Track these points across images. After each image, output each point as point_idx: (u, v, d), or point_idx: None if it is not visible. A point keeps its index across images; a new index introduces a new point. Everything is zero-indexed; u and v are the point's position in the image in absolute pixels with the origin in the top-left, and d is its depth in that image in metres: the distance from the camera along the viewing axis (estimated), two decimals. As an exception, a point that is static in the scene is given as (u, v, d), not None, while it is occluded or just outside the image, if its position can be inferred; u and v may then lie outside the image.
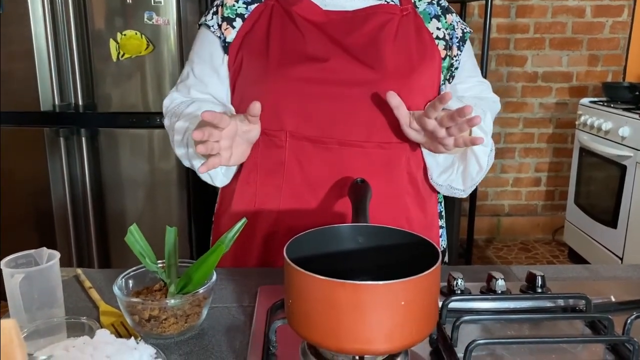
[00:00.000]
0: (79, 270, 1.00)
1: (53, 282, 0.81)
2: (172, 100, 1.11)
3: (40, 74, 2.35)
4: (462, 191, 1.11)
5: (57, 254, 0.82)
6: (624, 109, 2.73)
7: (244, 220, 0.86)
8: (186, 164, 1.06)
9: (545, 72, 3.41)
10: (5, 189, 2.49)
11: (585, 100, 3.09)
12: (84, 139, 2.41)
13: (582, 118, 3.02)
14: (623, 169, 2.69)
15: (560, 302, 0.88)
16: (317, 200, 1.04)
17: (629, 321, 0.77)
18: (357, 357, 0.70)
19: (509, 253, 3.44)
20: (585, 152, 3.03)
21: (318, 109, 1.02)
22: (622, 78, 3.42)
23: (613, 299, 0.90)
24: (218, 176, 1.08)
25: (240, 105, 1.07)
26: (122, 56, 2.33)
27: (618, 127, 2.70)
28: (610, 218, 2.80)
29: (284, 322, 0.75)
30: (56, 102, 2.37)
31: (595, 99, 3.07)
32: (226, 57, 1.08)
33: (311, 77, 1.01)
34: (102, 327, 0.70)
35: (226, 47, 1.07)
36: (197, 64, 1.11)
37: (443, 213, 1.20)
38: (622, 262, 2.68)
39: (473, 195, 3.03)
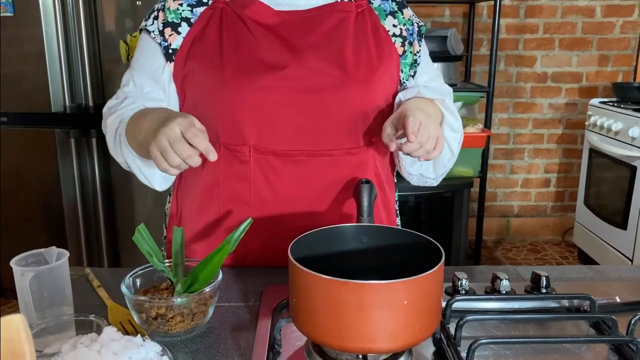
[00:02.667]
0: (88, 270, 1.02)
1: (62, 281, 0.83)
2: (110, 108, 1.04)
3: (52, 76, 2.37)
4: (433, 179, 1.10)
5: (66, 253, 0.84)
6: (634, 110, 2.71)
7: (249, 220, 0.87)
8: (123, 164, 1.01)
9: (555, 73, 3.39)
10: (17, 189, 2.52)
11: (595, 101, 3.07)
12: (94, 140, 2.43)
13: (592, 119, 3.00)
14: (633, 169, 2.67)
15: (565, 303, 0.88)
16: (288, 216, 1.00)
17: (632, 322, 0.77)
18: (360, 356, 0.71)
19: (518, 254, 3.43)
20: (595, 152, 3.01)
21: (281, 120, 0.97)
22: (632, 78, 3.40)
23: (618, 300, 0.90)
24: (156, 179, 1.01)
25: (194, 113, 0.95)
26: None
27: (628, 128, 2.68)
28: (620, 219, 2.78)
29: (288, 321, 0.76)
30: (67, 103, 2.40)
31: (605, 100, 3.05)
32: (169, 66, 1.01)
33: (270, 86, 0.96)
34: (109, 325, 0.71)
35: (170, 54, 1.00)
36: (137, 72, 1.04)
37: (398, 211, 1.17)
38: (632, 264, 2.66)
39: (482, 195, 3.03)
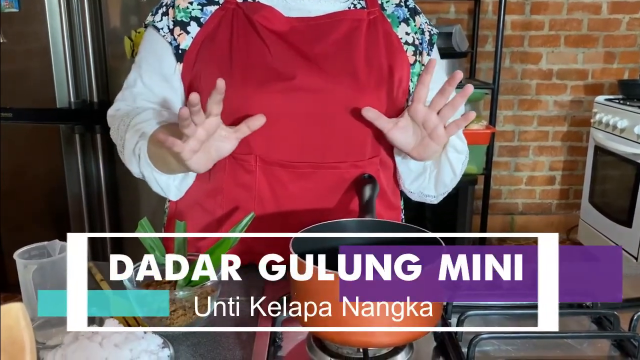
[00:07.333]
0: (91, 264, 1.02)
1: (65, 274, 0.83)
2: (118, 110, 1.01)
3: (56, 72, 2.38)
4: (433, 197, 1.08)
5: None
6: (640, 107, 2.71)
7: (252, 214, 0.87)
8: (137, 174, 0.98)
9: (560, 70, 3.38)
10: (22, 184, 2.53)
11: (600, 98, 3.06)
12: (98, 136, 2.44)
13: (598, 116, 2.99)
14: (638, 167, 2.66)
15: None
16: (291, 228, 0.92)
17: (635, 317, 0.77)
18: (361, 350, 0.71)
19: (523, 252, 3.42)
20: (600, 150, 3.00)
21: (288, 130, 0.95)
22: (638, 75, 3.38)
23: (621, 296, 0.90)
24: (171, 189, 1.00)
25: None
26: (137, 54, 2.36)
27: (634, 125, 2.67)
28: (625, 217, 2.77)
29: (290, 315, 0.76)
30: (72, 99, 2.41)
31: (611, 97, 3.04)
32: (179, 66, 0.98)
33: (279, 95, 0.94)
34: (112, 318, 0.72)
35: (180, 54, 0.97)
36: (145, 71, 1.00)
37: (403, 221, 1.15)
38: (637, 261, 2.66)
39: (486, 193, 3.02)
